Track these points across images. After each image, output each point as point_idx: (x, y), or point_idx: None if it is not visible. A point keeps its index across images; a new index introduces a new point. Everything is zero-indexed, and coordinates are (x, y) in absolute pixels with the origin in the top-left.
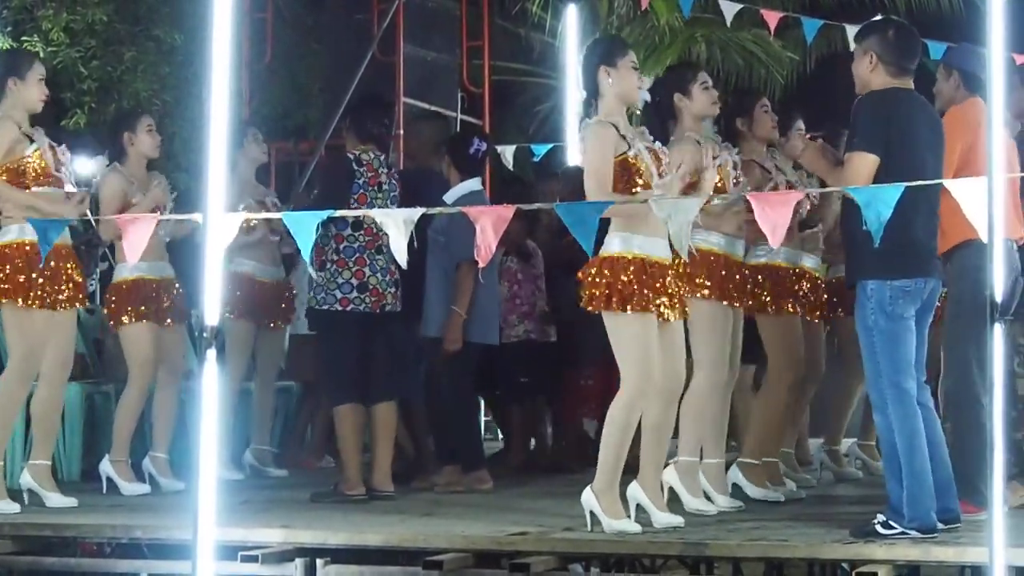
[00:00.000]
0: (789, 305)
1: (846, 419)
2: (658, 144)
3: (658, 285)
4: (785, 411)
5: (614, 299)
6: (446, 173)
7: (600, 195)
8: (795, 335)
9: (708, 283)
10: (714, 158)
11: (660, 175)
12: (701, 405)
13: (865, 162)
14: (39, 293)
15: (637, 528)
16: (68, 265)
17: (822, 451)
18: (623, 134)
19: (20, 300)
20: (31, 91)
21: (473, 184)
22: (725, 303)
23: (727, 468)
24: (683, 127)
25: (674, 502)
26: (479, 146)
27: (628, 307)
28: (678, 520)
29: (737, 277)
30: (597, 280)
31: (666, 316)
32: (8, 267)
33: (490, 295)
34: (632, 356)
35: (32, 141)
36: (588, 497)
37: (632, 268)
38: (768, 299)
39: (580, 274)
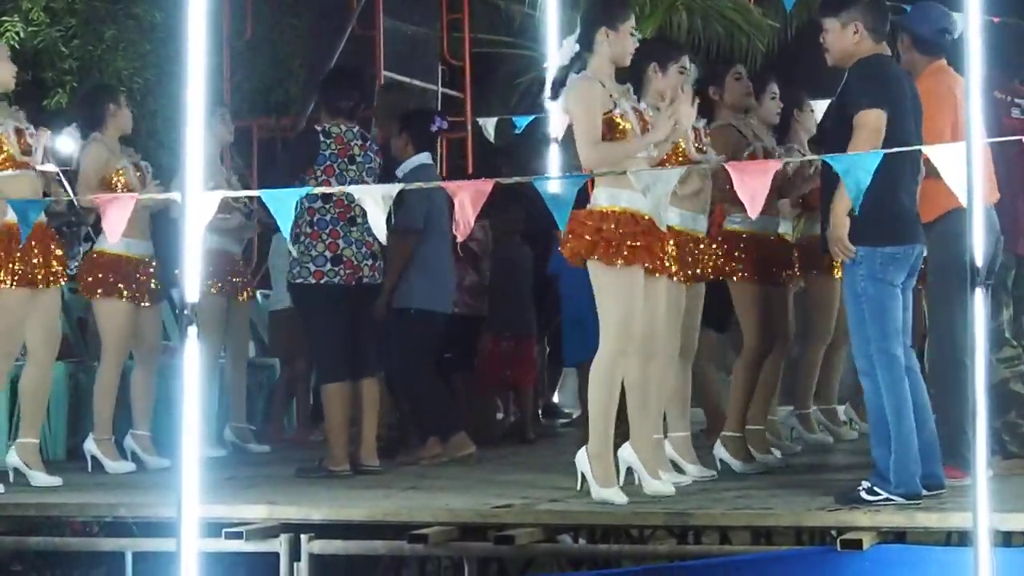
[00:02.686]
0: (763, 273)
1: (814, 383)
2: (642, 104)
3: (649, 238)
4: (765, 379)
5: (599, 249)
6: (399, 147)
7: (592, 149)
8: (767, 303)
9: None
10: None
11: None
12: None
13: (871, 116)
14: (17, 271)
15: (623, 500)
16: (48, 244)
17: (792, 417)
18: (610, 93)
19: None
20: None
21: (424, 158)
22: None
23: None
24: (646, 99)
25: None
26: (440, 124)
27: (617, 260)
28: (669, 489)
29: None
30: (582, 231)
31: (660, 271)
32: None
33: (443, 264)
34: (614, 311)
35: None
36: (582, 458)
37: (620, 220)
38: (740, 267)
39: (564, 227)
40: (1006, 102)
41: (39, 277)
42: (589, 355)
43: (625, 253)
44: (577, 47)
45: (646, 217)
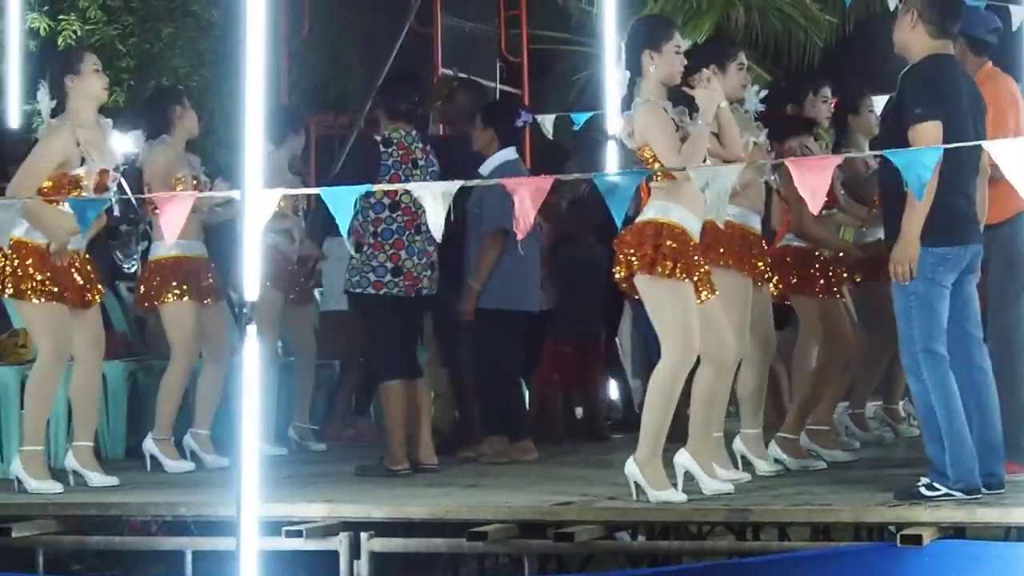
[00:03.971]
0: (831, 284)
1: (871, 384)
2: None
3: (691, 259)
4: (832, 381)
5: (658, 264)
6: (481, 141)
7: (678, 157)
8: (838, 312)
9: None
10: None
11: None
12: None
13: (930, 130)
14: (49, 291)
15: (682, 498)
16: (86, 269)
17: (845, 415)
18: (671, 116)
19: (42, 298)
20: (89, 82)
21: (509, 153)
22: (745, 274)
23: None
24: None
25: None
26: (526, 118)
27: (676, 271)
28: (727, 487)
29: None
30: (639, 245)
31: (698, 294)
32: (27, 264)
33: (529, 263)
34: (674, 322)
35: (83, 162)
36: (632, 468)
37: (675, 233)
38: (811, 280)
39: (616, 242)
40: None
41: (77, 300)
42: None
43: (680, 265)
44: (628, 73)
45: (690, 236)
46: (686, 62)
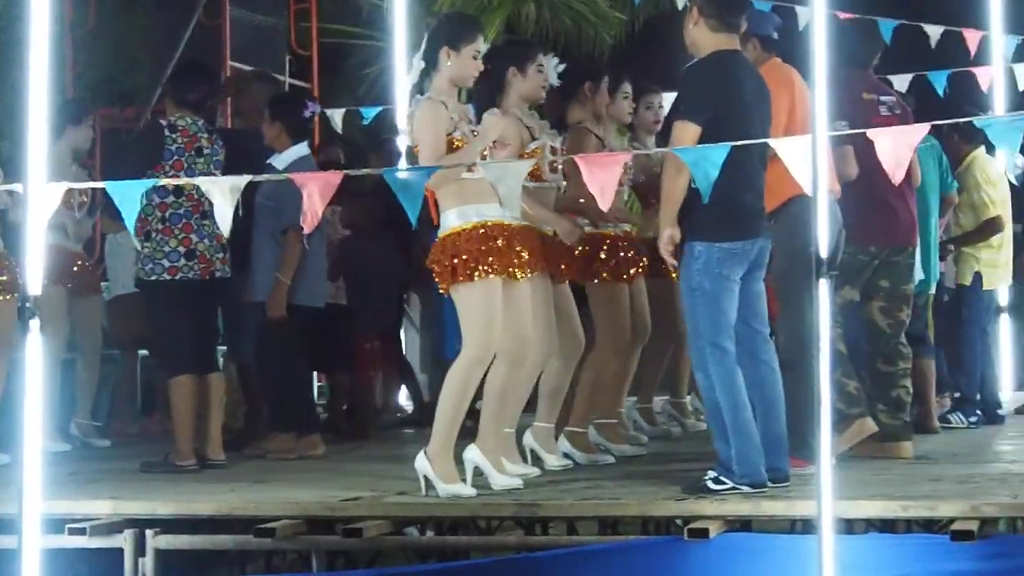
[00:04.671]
0: (613, 272)
1: (658, 378)
2: (479, 128)
3: (501, 243)
4: (619, 374)
5: (458, 272)
6: (272, 136)
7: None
8: (618, 301)
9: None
10: (534, 139)
11: (483, 157)
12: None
13: (687, 131)
14: None
15: (472, 492)
16: None
17: (634, 409)
18: (451, 115)
19: None
20: None
21: (302, 149)
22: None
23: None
24: (508, 102)
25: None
26: (313, 108)
27: (474, 275)
28: (516, 482)
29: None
30: (440, 260)
31: (514, 275)
32: None
33: (317, 259)
34: (474, 322)
35: None
36: (421, 462)
37: (471, 238)
38: (596, 267)
39: (428, 260)
40: (875, 102)
41: None
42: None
43: (481, 267)
44: (423, 64)
45: (495, 224)
46: (482, 67)
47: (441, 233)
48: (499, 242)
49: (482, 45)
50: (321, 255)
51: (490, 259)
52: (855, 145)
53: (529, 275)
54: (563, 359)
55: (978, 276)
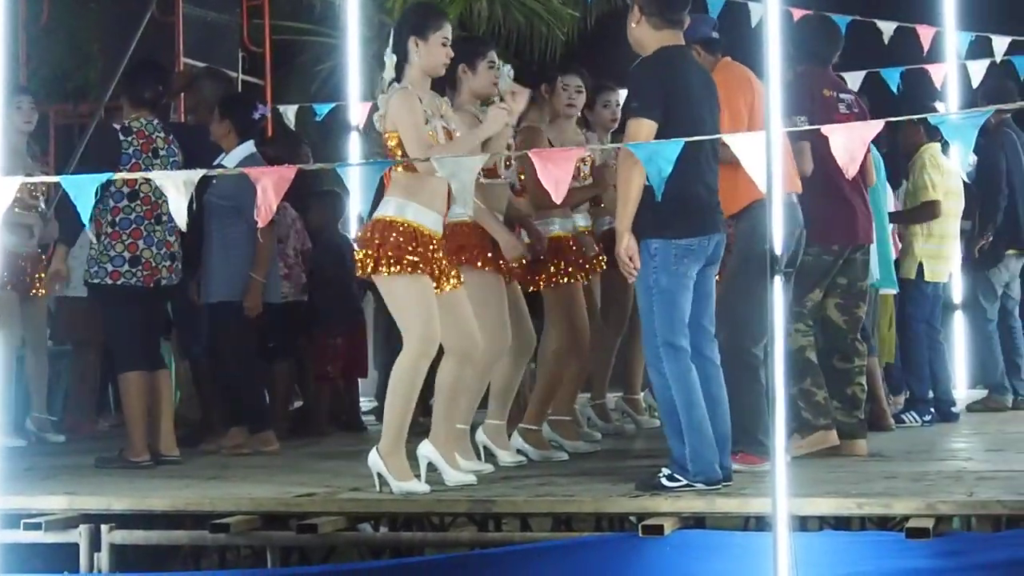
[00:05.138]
0: (570, 274)
1: (608, 373)
2: (453, 125)
3: (428, 255)
4: (573, 371)
5: (382, 262)
6: (220, 134)
7: (427, 153)
8: (576, 301)
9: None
10: None
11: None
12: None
13: (641, 127)
14: None
15: (425, 488)
16: None
17: (588, 407)
18: (425, 108)
19: None
20: None
21: (249, 147)
22: (494, 271)
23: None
24: (461, 99)
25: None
26: (263, 111)
27: (398, 268)
28: (470, 478)
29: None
30: (368, 244)
31: (441, 286)
32: None
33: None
34: (410, 315)
35: None
36: (374, 459)
37: (403, 232)
38: (552, 271)
39: (355, 240)
40: (834, 99)
41: None
42: None
43: (404, 263)
44: (395, 57)
45: (427, 233)
46: (452, 54)
47: (375, 216)
48: (426, 250)
49: (449, 32)
50: (274, 251)
51: (414, 259)
52: (812, 142)
53: (454, 284)
54: (513, 357)
55: (920, 269)
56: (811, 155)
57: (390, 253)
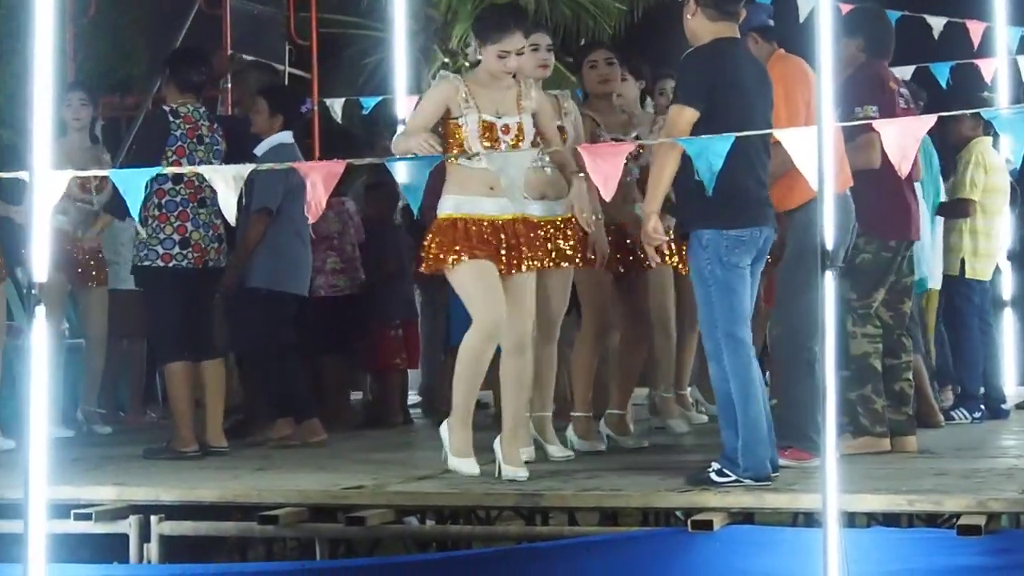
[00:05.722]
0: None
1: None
2: (517, 120)
3: (485, 238)
4: (630, 365)
5: (443, 256)
6: (267, 127)
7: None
8: (605, 289)
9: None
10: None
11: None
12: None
13: (682, 115)
14: None
15: (474, 471)
16: None
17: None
18: (467, 100)
19: None
20: None
21: (286, 136)
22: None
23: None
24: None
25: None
26: (310, 105)
27: (462, 258)
28: (523, 474)
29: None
30: (431, 243)
31: (505, 268)
32: None
33: (303, 247)
34: (475, 297)
35: None
36: (444, 428)
37: (460, 225)
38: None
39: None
40: (896, 93)
41: None
42: None
43: (462, 251)
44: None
45: (485, 223)
46: (509, 68)
47: (438, 214)
48: (488, 235)
49: (511, 45)
50: (299, 241)
51: (474, 245)
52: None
53: (526, 267)
54: (546, 345)
55: (962, 265)
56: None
57: (450, 247)
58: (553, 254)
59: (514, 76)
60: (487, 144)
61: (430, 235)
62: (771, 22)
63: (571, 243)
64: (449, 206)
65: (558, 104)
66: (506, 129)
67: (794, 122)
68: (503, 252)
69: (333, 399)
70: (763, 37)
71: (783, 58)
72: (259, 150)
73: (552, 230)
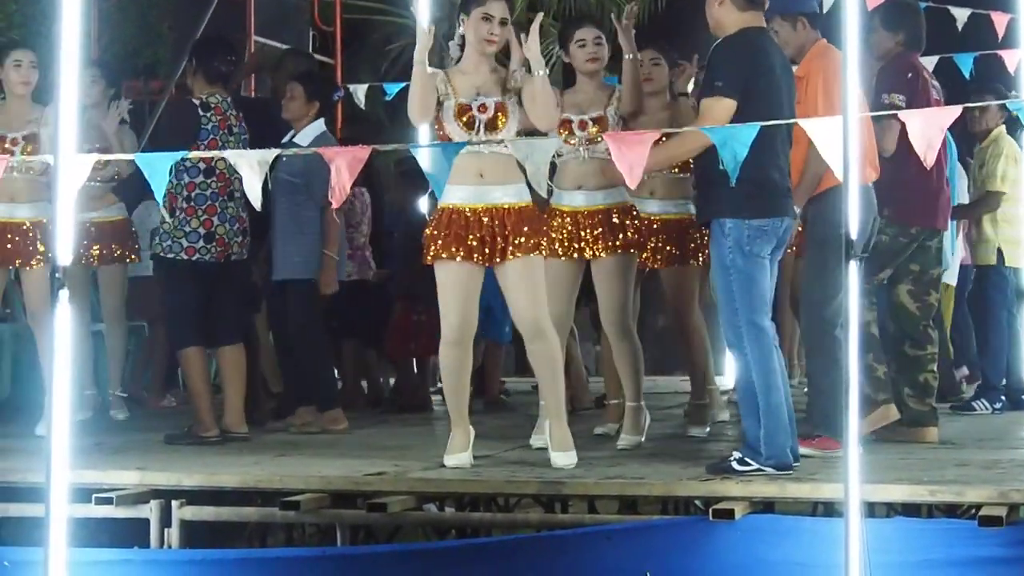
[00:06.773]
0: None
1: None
2: (498, 100)
3: (459, 233)
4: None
5: (432, 249)
6: (302, 113)
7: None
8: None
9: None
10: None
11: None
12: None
13: (722, 106)
14: None
15: (464, 463)
16: None
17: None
18: (446, 89)
19: None
20: None
21: (322, 125)
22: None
23: None
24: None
25: None
26: (340, 93)
27: (441, 255)
28: (571, 459)
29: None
30: (429, 234)
31: (489, 259)
32: None
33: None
34: (446, 304)
35: None
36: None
37: (441, 218)
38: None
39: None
40: (930, 84)
41: None
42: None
43: (438, 246)
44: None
45: (461, 209)
46: (496, 30)
47: (440, 204)
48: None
49: (496, 11)
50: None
51: (454, 240)
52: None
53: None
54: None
55: (1000, 254)
56: (897, 136)
57: (434, 240)
58: (610, 243)
59: (506, 67)
60: (462, 126)
61: (429, 226)
62: (819, 9)
63: (597, 232)
64: (444, 195)
65: (612, 96)
66: (483, 108)
67: (833, 115)
68: (487, 242)
69: (348, 385)
70: (811, 23)
71: (826, 50)
72: (303, 139)
73: (596, 220)
